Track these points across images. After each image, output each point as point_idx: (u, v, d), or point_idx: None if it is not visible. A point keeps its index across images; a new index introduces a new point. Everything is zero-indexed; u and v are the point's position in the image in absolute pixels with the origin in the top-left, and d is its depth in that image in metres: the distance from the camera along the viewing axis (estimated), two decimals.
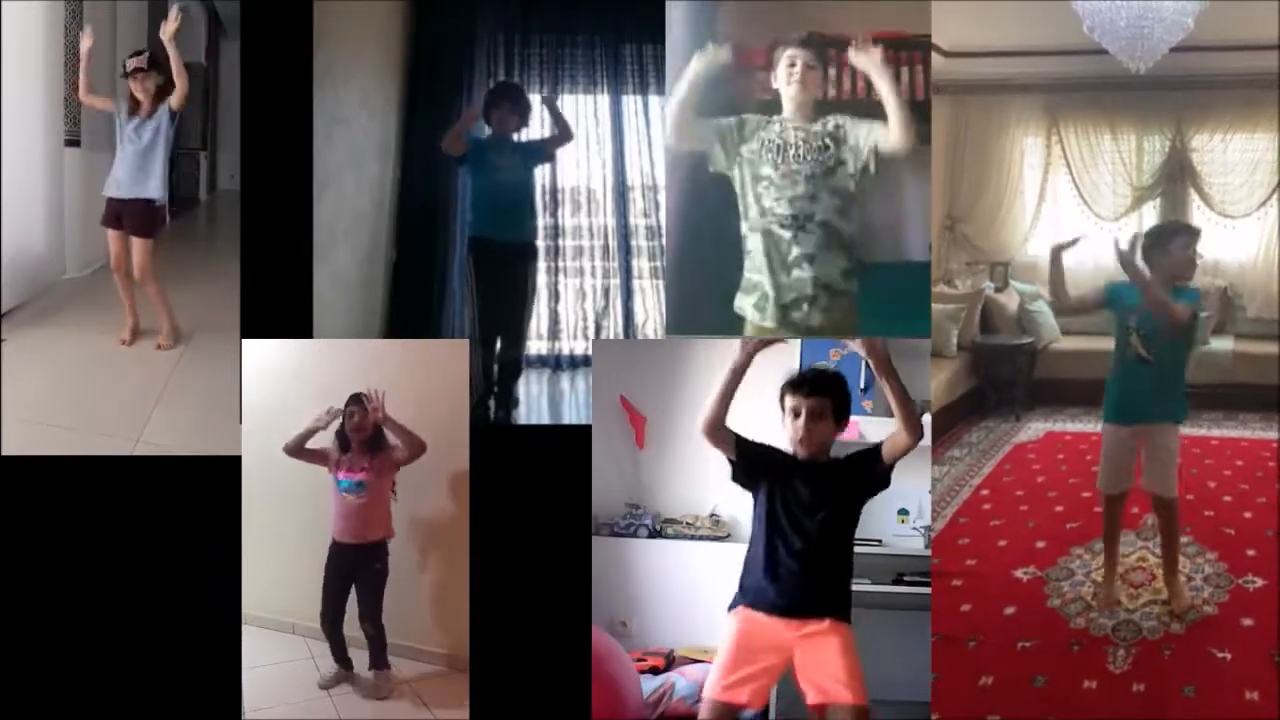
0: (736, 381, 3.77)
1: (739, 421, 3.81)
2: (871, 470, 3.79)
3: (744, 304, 4.57)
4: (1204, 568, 5.30)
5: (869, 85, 4.52)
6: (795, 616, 3.71)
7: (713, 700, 3.74)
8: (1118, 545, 5.14)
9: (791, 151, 4.47)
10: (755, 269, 4.54)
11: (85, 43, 5.00)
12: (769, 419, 3.87)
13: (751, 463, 3.84)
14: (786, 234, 4.48)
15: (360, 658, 4.81)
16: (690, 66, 4.46)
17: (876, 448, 3.79)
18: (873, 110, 4.45)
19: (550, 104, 5.74)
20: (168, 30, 4.96)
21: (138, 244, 5.09)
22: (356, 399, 4.67)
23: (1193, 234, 4.96)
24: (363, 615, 4.74)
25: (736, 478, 3.87)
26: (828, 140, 4.47)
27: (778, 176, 4.48)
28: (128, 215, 5.10)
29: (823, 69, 4.55)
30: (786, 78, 4.48)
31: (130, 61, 5.03)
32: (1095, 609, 4.99)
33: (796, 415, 3.78)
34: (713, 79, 4.49)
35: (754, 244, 4.53)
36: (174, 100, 5.04)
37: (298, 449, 4.70)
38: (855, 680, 3.67)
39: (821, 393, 3.79)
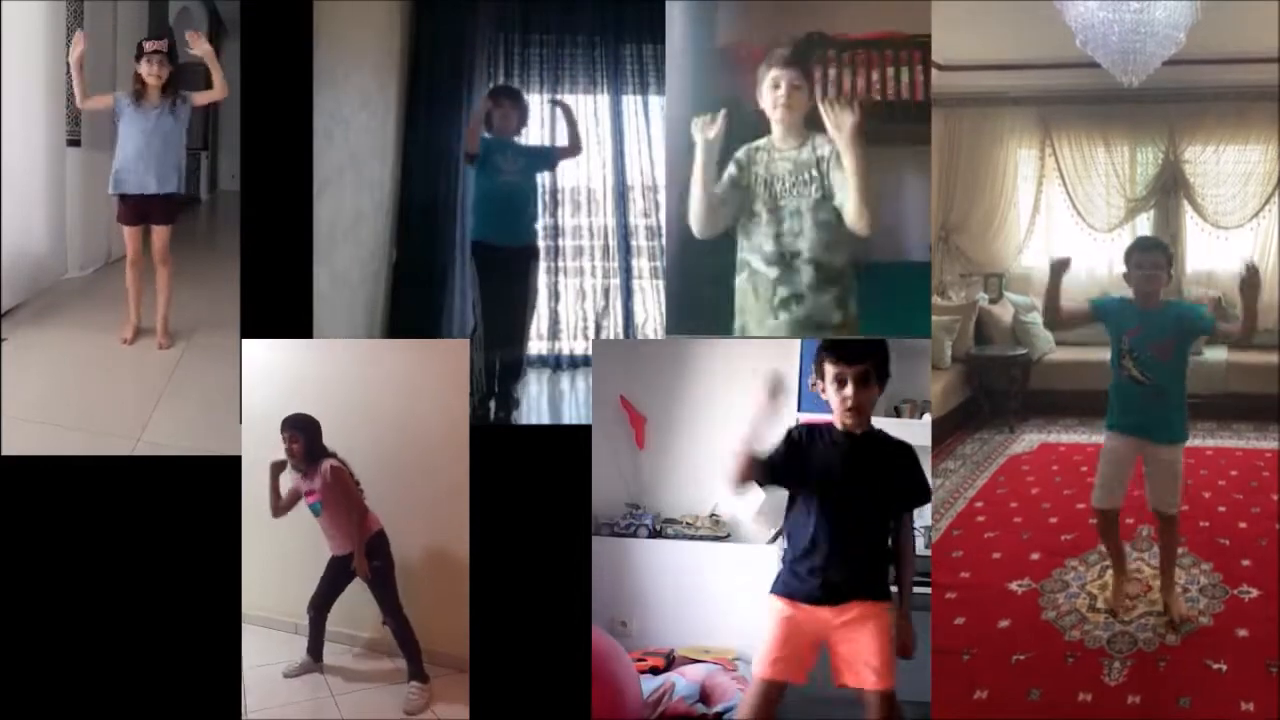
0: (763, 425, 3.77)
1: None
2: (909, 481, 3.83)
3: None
4: (1199, 578, 5.28)
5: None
6: (834, 604, 3.73)
7: (760, 679, 3.78)
8: (1123, 559, 5.15)
9: (778, 186, 4.50)
10: (740, 312, 4.56)
11: (76, 50, 4.97)
12: None
13: (787, 473, 3.82)
14: (773, 272, 4.48)
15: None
16: (696, 151, 4.55)
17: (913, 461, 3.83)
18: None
19: (568, 112, 5.78)
20: (203, 48, 4.99)
21: (159, 230, 5.10)
22: (286, 423, 4.67)
23: (1146, 251, 4.97)
24: (382, 612, 4.74)
25: (768, 484, 3.87)
26: (814, 171, 4.48)
27: (765, 212, 4.51)
28: (154, 209, 5.11)
29: (809, 86, 4.56)
30: (773, 101, 4.50)
31: (148, 44, 5.03)
32: (1101, 611, 5.01)
33: (842, 384, 3.75)
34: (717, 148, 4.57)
35: (740, 284, 4.56)
36: (201, 98, 5.08)
37: (276, 506, 4.71)
38: (886, 664, 3.70)
39: (865, 358, 3.76)
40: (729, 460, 3.78)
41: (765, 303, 4.54)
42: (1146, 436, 4.92)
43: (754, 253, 4.55)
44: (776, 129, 4.54)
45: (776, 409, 3.78)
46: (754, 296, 4.58)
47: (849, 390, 3.74)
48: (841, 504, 3.75)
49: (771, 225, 4.50)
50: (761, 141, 4.61)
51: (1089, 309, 5.02)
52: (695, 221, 4.63)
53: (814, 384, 3.87)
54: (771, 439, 3.82)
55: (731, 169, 4.61)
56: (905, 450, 3.85)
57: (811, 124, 4.57)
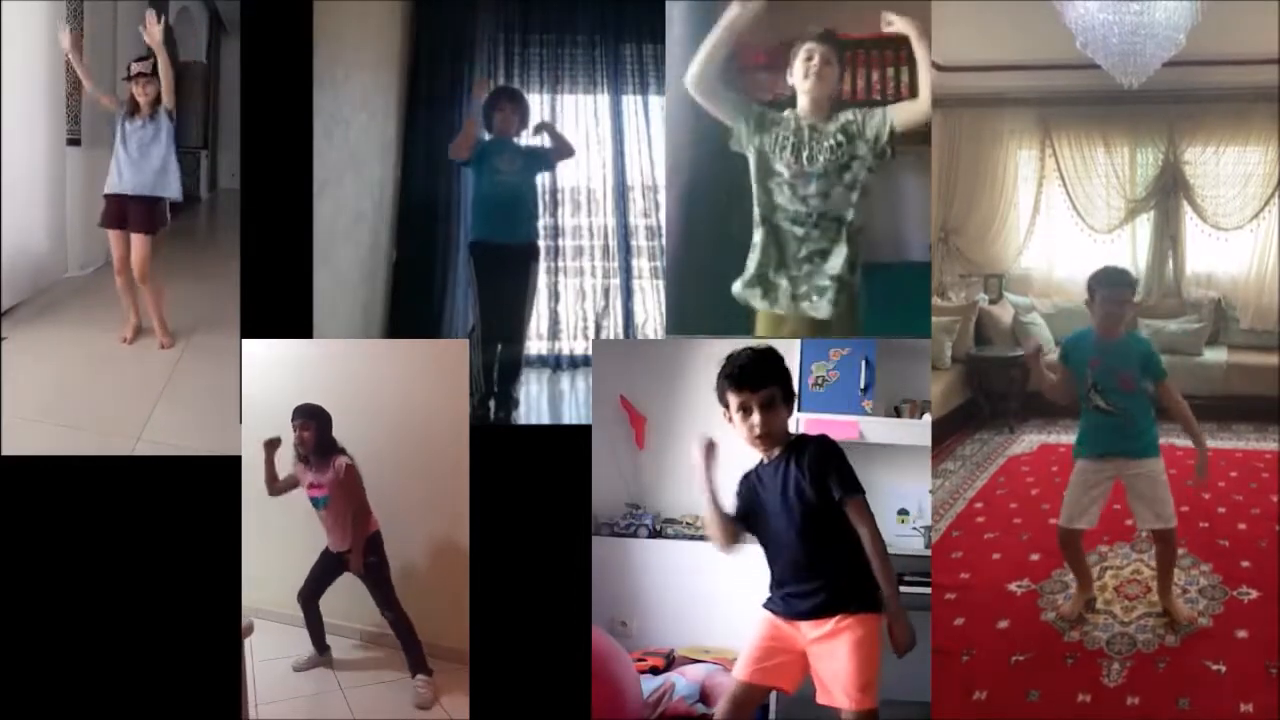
0: (713, 483, 3.76)
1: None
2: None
3: (749, 294, 4.61)
4: (1199, 579, 5.26)
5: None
6: (808, 619, 3.70)
7: (738, 680, 3.78)
8: (1089, 579, 5.12)
9: (806, 153, 4.49)
10: (762, 263, 4.56)
11: (64, 41, 4.99)
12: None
13: (747, 516, 3.82)
14: (799, 230, 4.50)
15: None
16: (727, 15, 4.50)
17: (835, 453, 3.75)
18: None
19: (549, 128, 5.80)
20: (152, 35, 4.97)
21: (138, 240, 5.07)
22: (299, 412, 4.68)
23: (1113, 286, 4.91)
24: (379, 605, 4.75)
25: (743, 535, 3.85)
26: (839, 136, 4.49)
27: (789, 175, 4.52)
28: (132, 212, 5.09)
29: (839, 67, 4.56)
30: (804, 72, 4.50)
31: (134, 66, 5.03)
32: (1100, 612, 5.00)
33: (747, 412, 3.69)
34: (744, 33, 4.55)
35: (762, 237, 4.56)
36: (165, 100, 5.06)
37: (274, 485, 4.73)
38: (862, 682, 3.63)
39: (768, 382, 3.70)
40: (711, 533, 3.83)
41: (792, 255, 4.55)
42: (1120, 455, 4.90)
43: (778, 211, 4.56)
44: (803, 101, 4.54)
45: (712, 468, 3.76)
46: (776, 251, 4.57)
47: (755, 418, 3.68)
48: (789, 527, 3.70)
49: (797, 187, 4.52)
50: (787, 111, 4.60)
51: (1061, 350, 5.03)
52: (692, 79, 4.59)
53: (723, 414, 3.78)
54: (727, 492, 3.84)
55: (755, 106, 4.63)
56: (825, 445, 3.76)
57: (839, 105, 4.59)
